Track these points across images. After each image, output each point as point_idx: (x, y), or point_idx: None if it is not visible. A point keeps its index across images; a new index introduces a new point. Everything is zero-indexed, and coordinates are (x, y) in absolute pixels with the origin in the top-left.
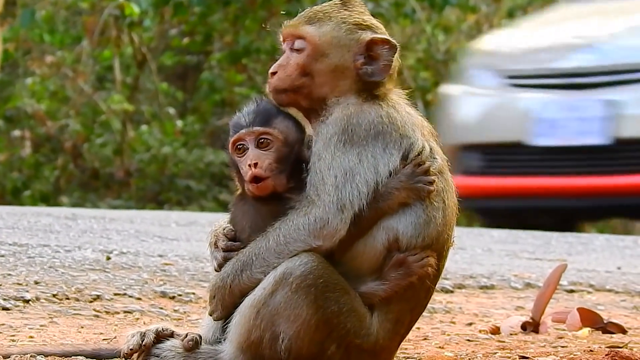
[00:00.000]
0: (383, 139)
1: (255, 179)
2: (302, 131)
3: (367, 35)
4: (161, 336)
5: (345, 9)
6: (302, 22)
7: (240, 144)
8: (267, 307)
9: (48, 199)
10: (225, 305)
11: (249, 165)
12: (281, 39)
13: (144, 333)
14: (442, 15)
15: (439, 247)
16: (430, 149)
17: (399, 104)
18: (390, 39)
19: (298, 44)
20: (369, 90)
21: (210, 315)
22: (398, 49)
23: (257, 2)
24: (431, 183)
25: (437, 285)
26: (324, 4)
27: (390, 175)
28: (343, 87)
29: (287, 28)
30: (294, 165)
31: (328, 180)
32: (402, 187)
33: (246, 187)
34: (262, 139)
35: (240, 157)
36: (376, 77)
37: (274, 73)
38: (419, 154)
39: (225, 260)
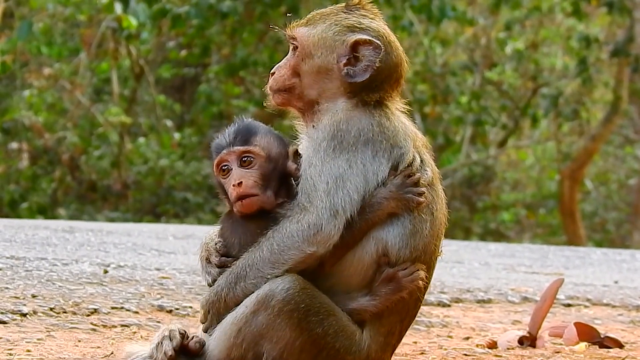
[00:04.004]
0: (372, 146)
1: (241, 197)
2: (285, 144)
3: (354, 36)
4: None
5: (345, 12)
6: (301, 24)
7: (224, 165)
8: (249, 327)
9: (45, 211)
10: (220, 320)
11: (234, 186)
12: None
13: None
14: (440, 28)
15: (426, 259)
16: (422, 160)
17: (393, 114)
18: (374, 39)
19: (294, 44)
20: (362, 95)
21: (205, 332)
22: (383, 50)
23: (254, 15)
24: (421, 194)
25: (434, 299)
26: (330, 7)
27: (378, 184)
28: (331, 89)
29: (288, 29)
30: (281, 180)
31: (319, 187)
32: (392, 197)
33: (234, 207)
34: (244, 157)
35: (225, 178)
36: (357, 78)
37: (272, 74)
38: (409, 165)
39: (220, 275)
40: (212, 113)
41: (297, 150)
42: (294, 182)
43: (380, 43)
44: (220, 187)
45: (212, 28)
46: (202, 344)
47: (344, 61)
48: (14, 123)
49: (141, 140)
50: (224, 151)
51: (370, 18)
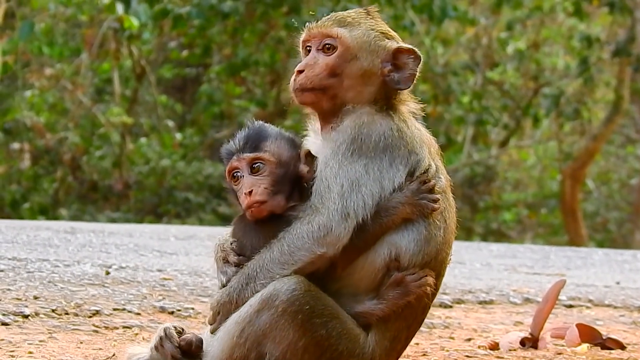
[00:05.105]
0: (391, 153)
1: (251, 205)
2: (297, 147)
3: (394, 44)
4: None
5: (371, 18)
6: (334, 24)
7: (235, 172)
8: (252, 326)
9: (47, 211)
10: None
11: (245, 194)
12: (306, 39)
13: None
14: (441, 28)
15: (437, 266)
16: (436, 167)
17: (409, 119)
18: (416, 49)
19: (329, 43)
20: (387, 99)
21: (213, 333)
22: (422, 60)
23: (255, 15)
24: (435, 201)
25: (436, 300)
26: (348, 11)
27: (394, 190)
28: (367, 93)
29: (318, 28)
30: (293, 183)
31: (334, 189)
32: (407, 202)
33: (245, 212)
34: (254, 164)
35: (236, 184)
36: (402, 85)
37: (300, 71)
38: (425, 172)
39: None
40: (214, 113)
41: (309, 152)
42: (307, 185)
43: (420, 54)
44: (232, 193)
45: (214, 28)
46: (189, 343)
47: (388, 67)
48: (15, 123)
49: (142, 140)
50: (234, 158)
51: (385, 25)
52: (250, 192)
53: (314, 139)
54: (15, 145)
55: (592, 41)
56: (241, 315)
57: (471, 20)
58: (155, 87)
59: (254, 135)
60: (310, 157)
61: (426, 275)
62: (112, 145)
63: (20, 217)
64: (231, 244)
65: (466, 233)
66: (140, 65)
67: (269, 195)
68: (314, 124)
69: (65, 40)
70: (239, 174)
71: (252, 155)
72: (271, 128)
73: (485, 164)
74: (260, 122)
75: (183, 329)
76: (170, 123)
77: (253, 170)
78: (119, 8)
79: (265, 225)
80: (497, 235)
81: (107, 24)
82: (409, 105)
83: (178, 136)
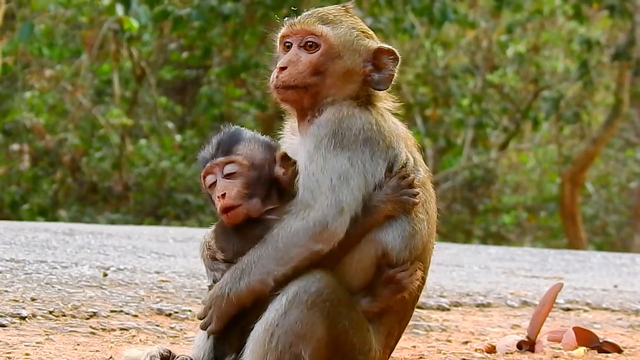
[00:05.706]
0: (371, 146)
1: (226, 209)
2: (272, 150)
3: (375, 44)
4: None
5: (350, 16)
6: (317, 21)
7: (209, 177)
8: (281, 328)
9: (46, 213)
10: (220, 316)
11: (218, 197)
12: (286, 34)
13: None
14: (441, 31)
15: (424, 258)
16: (414, 160)
17: (386, 113)
18: (396, 50)
19: (312, 41)
20: (366, 96)
21: (203, 329)
22: (400, 61)
23: (255, 17)
24: (415, 195)
25: (433, 303)
26: (328, 8)
27: (375, 186)
28: (349, 89)
29: (300, 24)
30: (269, 185)
31: (323, 183)
32: (388, 200)
33: (222, 218)
34: (227, 168)
35: (211, 190)
36: (381, 86)
37: (283, 68)
38: (403, 166)
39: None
40: (214, 115)
41: (285, 154)
42: (284, 187)
43: (398, 54)
44: (210, 199)
45: (214, 30)
46: None
47: (369, 67)
48: (15, 124)
49: (142, 142)
50: (208, 164)
51: (363, 23)
52: (224, 195)
53: (291, 138)
54: (15, 147)
55: (592, 44)
56: (268, 321)
57: (471, 23)
58: (155, 89)
59: (226, 140)
60: (287, 160)
61: (416, 270)
62: (111, 146)
63: (20, 219)
64: (215, 240)
65: (465, 235)
66: (140, 67)
67: (242, 198)
68: (290, 122)
69: (65, 41)
70: (213, 178)
71: (224, 159)
72: (245, 132)
73: (484, 166)
74: (236, 126)
75: (170, 352)
76: (170, 125)
77: (226, 174)
78: (119, 9)
79: (244, 229)
80: (496, 238)
81: (107, 26)
82: (385, 102)
83: (178, 138)
